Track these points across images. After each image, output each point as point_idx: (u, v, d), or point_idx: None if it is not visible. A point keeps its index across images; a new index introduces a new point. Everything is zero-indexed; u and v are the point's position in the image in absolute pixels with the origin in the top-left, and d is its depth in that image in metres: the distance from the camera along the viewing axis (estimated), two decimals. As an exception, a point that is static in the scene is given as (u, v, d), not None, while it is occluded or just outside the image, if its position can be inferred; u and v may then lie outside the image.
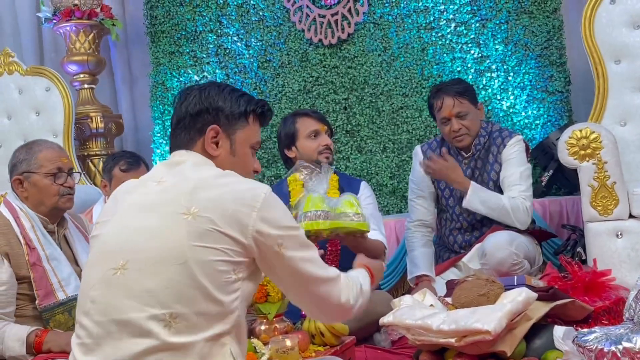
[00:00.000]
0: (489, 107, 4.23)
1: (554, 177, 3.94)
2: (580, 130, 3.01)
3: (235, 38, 4.64)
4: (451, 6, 4.28)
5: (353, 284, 1.76)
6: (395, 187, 4.35)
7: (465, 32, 4.27)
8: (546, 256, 3.49)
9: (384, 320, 2.33)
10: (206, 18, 4.68)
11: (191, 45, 4.72)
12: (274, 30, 4.56)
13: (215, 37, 4.67)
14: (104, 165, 3.41)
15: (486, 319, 2.07)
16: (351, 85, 4.43)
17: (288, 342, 2.21)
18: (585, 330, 2.02)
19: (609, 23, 3.54)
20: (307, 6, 4.46)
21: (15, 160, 2.62)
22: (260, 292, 2.41)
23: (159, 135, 4.75)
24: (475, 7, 4.25)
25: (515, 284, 2.37)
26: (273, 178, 4.48)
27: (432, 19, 4.31)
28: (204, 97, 1.75)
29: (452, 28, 4.29)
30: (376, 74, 4.38)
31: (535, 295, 2.21)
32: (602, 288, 2.65)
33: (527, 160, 3.22)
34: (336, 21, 4.41)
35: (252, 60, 4.61)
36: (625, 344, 1.87)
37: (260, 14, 4.58)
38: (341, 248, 3.07)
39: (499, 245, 2.97)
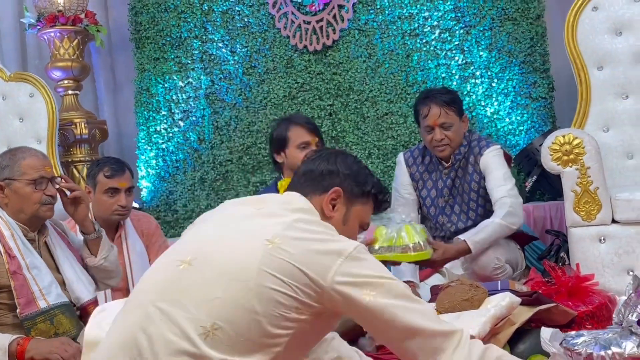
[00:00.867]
0: (473, 113, 4.25)
1: (538, 183, 3.96)
2: (564, 136, 3.03)
3: (220, 44, 4.64)
4: (435, 13, 4.30)
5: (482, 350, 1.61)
6: (380, 193, 4.35)
7: (449, 38, 4.29)
8: (530, 261, 3.51)
9: (368, 325, 2.33)
10: (191, 24, 4.68)
11: (176, 51, 4.71)
12: (259, 37, 4.56)
13: (200, 43, 4.67)
14: (88, 171, 3.40)
15: (470, 323, 2.07)
16: (336, 91, 4.44)
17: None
18: (573, 333, 2.03)
19: (591, 30, 3.57)
20: (292, 13, 4.47)
21: None
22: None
23: (143, 141, 4.73)
24: (459, 14, 4.28)
25: (499, 288, 2.38)
26: (258, 184, 4.48)
27: (416, 25, 4.33)
28: (340, 161, 1.80)
29: (436, 35, 4.31)
30: (361, 80, 4.40)
31: (518, 300, 2.22)
32: (585, 293, 2.66)
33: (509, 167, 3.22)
34: (321, 27, 4.42)
35: (237, 66, 4.60)
36: (615, 349, 1.88)
37: (245, 20, 4.59)
38: None
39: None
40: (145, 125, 4.73)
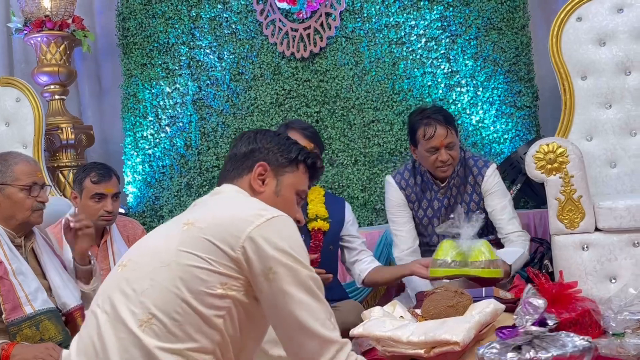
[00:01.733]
0: (459, 122, 4.28)
1: (522, 191, 3.99)
2: (547, 145, 3.06)
3: (207, 50, 4.65)
4: (422, 22, 4.33)
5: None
6: (366, 200, 4.37)
7: (435, 47, 4.33)
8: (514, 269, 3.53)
9: (354, 331, 2.34)
10: (179, 30, 4.68)
11: (163, 57, 4.71)
12: (246, 43, 4.58)
13: (187, 49, 4.68)
14: (74, 176, 3.39)
15: (455, 330, 2.10)
16: (323, 98, 4.46)
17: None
18: (487, 343, 2.03)
19: (575, 40, 3.62)
20: (280, 20, 4.49)
21: None
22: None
23: (130, 147, 4.73)
24: (445, 23, 4.31)
25: (484, 295, 2.40)
26: (244, 190, 4.49)
27: (403, 34, 4.36)
28: (259, 137, 1.82)
29: (422, 43, 4.34)
30: (348, 87, 4.42)
31: (503, 306, 2.24)
32: (568, 300, 2.68)
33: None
34: (308, 35, 4.44)
35: (224, 72, 4.61)
36: (518, 355, 1.89)
37: (233, 27, 4.60)
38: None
39: None
40: (132, 131, 4.73)
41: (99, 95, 5.21)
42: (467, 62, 4.29)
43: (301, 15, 4.45)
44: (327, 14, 4.42)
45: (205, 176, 4.60)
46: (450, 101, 4.30)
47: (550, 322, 1.85)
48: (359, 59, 4.42)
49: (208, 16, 4.63)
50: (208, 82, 4.64)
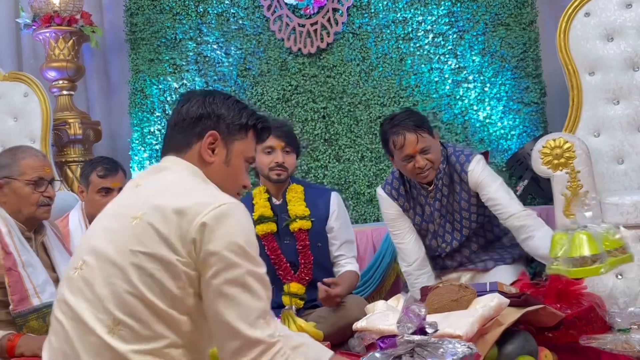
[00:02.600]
0: (466, 118, 4.27)
1: (529, 187, 3.98)
2: (554, 140, 3.06)
3: (214, 46, 4.65)
4: (429, 17, 4.32)
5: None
6: (372, 196, 4.37)
7: (442, 43, 4.32)
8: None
9: (357, 325, 2.35)
10: (186, 26, 4.69)
11: (171, 52, 4.72)
12: (253, 39, 4.58)
13: (195, 45, 4.68)
14: (81, 171, 3.41)
15: (458, 323, 2.09)
16: (330, 94, 4.45)
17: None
18: (368, 354, 1.97)
19: (583, 35, 3.60)
20: (287, 15, 4.49)
21: None
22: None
23: (137, 142, 4.74)
24: (452, 19, 4.30)
25: (488, 290, 2.39)
26: (252, 186, 4.49)
27: (410, 29, 4.35)
28: (208, 102, 1.73)
29: (429, 39, 4.33)
30: (355, 83, 4.42)
31: (507, 301, 2.23)
32: (573, 296, 2.67)
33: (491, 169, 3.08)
34: (315, 31, 4.44)
35: (231, 68, 4.62)
36: None
37: (240, 22, 4.60)
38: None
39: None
40: (139, 127, 4.74)
41: (107, 91, 5.23)
42: (474, 58, 4.28)
43: (308, 10, 4.45)
44: (334, 10, 4.42)
45: (212, 171, 4.60)
46: (457, 97, 4.29)
47: (430, 331, 1.81)
48: (366, 54, 4.41)
49: (215, 12, 4.63)
50: (215, 77, 4.65)
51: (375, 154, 4.37)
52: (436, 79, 4.32)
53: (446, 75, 4.31)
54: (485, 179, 2.97)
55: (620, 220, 2.95)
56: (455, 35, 4.30)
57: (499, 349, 2.19)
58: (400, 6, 4.35)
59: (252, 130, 1.78)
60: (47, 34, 4.65)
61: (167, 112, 4.67)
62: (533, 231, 2.87)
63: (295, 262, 3.08)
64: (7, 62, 5.00)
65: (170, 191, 1.59)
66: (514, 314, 2.25)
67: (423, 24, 4.33)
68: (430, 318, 2.19)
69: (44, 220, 2.69)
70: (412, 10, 4.34)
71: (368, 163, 4.38)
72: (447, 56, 4.32)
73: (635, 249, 2.93)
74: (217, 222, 1.50)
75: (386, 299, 3.25)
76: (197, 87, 4.63)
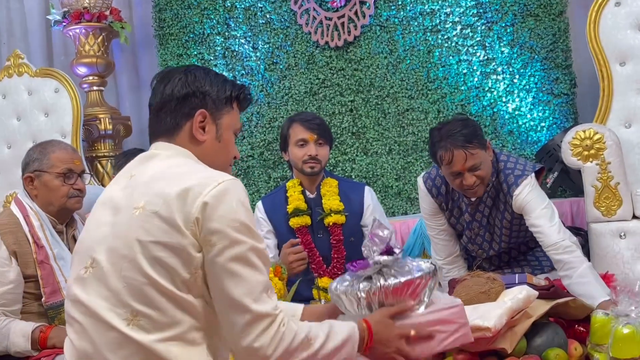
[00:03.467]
0: (495, 110, 4.24)
1: (559, 179, 3.94)
2: (584, 131, 3.02)
3: (242, 40, 4.67)
4: (457, 9, 4.29)
5: (294, 334, 1.56)
6: (400, 189, 4.36)
7: (471, 34, 4.28)
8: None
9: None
10: (214, 21, 4.72)
11: (199, 47, 4.75)
12: (280, 33, 4.59)
13: (222, 39, 4.71)
14: (115, 161, 3.44)
15: (486, 315, 2.07)
16: (357, 87, 4.45)
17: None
18: (338, 278, 1.97)
19: (614, 25, 3.55)
20: (314, 9, 4.49)
21: (29, 158, 2.66)
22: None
23: (166, 137, 4.77)
24: (481, 10, 4.26)
25: (517, 282, 2.37)
26: (279, 179, 4.51)
27: (438, 21, 4.32)
28: (191, 79, 1.71)
29: (458, 31, 4.30)
30: (382, 76, 4.40)
31: (536, 293, 2.20)
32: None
33: (541, 187, 2.85)
34: (342, 24, 4.44)
35: (259, 62, 4.63)
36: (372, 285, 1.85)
37: (267, 16, 4.61)
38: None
39: None
40: (168, 121, 4.76)
41: (136, 87, 5.27)
42: (503, 49, 4.24)
43: (335, 4, 4.44)
44: (362, 2, 4.40)
45: (240, 166, 4.62)
46: (486, 89, 4.26)
47: (397, 250, 1.86)
48: (393, 47, 4.39)
49: (243, 6, 4.65)
50: (243, 72, 4.67)
51: (402, 147, 4.36)
52: (464, 71, 4.29)
53: (474, 67, 4.28)
54: (529, 205, 2.74)
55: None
56: (483, 27, 4.27)
57: (527, 342, 2.17)
58: (427, -2, 4.33)
59: (236, 101, 1.78)
60: (77, 31, 4.70)
61: (195, 107, 4.70)
62: (569, 270, 2.62)
63: (327, 256, 3.08)
64: (38, 58, 5.07)
65: (167, 177, 1.58)
66: (543, 307, 2.23)
67: (451, 15, 4.30)
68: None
69: (74, 214, 2.72)
70: (439, 1, 4.31)
71: (396, 156, 4.37)
72: (475, 48, 4.28)
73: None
74: (217, 200, 1.51)
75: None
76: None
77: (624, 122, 3.49)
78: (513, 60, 4.23)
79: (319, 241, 3.10)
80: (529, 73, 4.21)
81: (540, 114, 4.20)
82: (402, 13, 4.37)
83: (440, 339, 1.87)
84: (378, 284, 1.82)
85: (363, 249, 1.89)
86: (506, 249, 3.02)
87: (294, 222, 3.06)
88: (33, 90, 4.40)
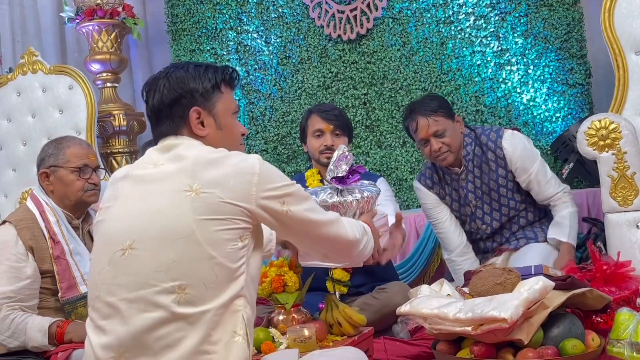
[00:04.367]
0: (509, 101, 4.22)
1: (575, 170, 3.91)
2: (600, 121, 2.99)
3: (255, 35, 4.67)
4: (470, 0, 4.27)
5: (356, 223, 1.91)
6: (415, 182, 4.35)
7: (484, 25, 4.26)
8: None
9: (401, 309, 2.33)
10: (226, 16, 4.72)
11: (212, 42, 4.76)
12: (293, 27, 4.58)
13: (235, 34, 4.71)
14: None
15: (503, 306, 2.06)
16: (370, 80, 4.44)
17: (306, 332, 2.23)
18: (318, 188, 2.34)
19: (629, 14, 3.50)
20: (326, 2, 4.48)
21: (44, 154, 2.67)
22: (278, 282, 2.43)
23: (180, 132, 4.78)
24: (494, 1, 4.24)
25: (533, 273, 2.36)
26: (292, 173, 4.51)
27: (450, 12, 4.30)
28: (174, 82, 1.77)
29: (471, 22, 4.28)
30: (395, 68, 4.39)
31: (552, 283, 2.19)
32: (621, 278, 2.62)
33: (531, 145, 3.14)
34: (355, 17, 4.42)
35: (271, 56, 4.63)
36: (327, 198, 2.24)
37: (280, 10, 4.61)
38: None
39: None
40: (182, 116, 4.77)
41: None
42: (517, 39, 4.21)
43: (348, -4, 4.44)
44: (374, -5, 4.39)
45: (254, 160, 4.62)
46: (500, 80, 4.23)
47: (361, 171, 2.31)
48: (406, 39, 4.38)
49: (255, 0, 4.65)
50: (256, 66, 4.67)
51: (417, 139, 4.34)
52: (478, 62, 4.27)
53: (488, 58, 4.25)
54: (526, 158, 3.06)
55: (668, 202, 2.88)
56: (497, 17, 4.24)
57: (544, 332, 2.16)
58: (440, -11, 4.31)
59: (224, 84, 1.83)
60: (90, 27, 4.71)
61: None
62: (555, 213, 3.10)
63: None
64: (52, 55, 5.09)
65: (208, 161, 1.66)
66: (560, 297, 2.21)
67: (464, 6, 4.28)
68: (474, 301, 2.19)
69: (90, 209, 2.74)
70: (452, -7, 4.29)
71: (410, 149, 4.36)
72: (489, 39, 4.26)
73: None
74: (266, 175, 1.67)
75: (430, 284, 3.25)
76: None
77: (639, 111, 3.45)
78: (527, 51, 4.20)
79: None
80: (544, 63, 4.18)
81: (555, 105, 4.18)
82: (414, 5, 4.36)
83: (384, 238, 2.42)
84: (364, 194, 2.25)
85: (328, 173, 2.27)
86: (510, 219, 3.16)
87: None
88: (47, 87, 4.41)
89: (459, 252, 3.24)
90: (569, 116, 4.15)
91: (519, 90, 4.22)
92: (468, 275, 2.54)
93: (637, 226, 2.92)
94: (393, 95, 4.39)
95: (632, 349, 2.19)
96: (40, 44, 5.10)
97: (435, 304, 2.25)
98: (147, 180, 1.70)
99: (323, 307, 2.52)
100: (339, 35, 4.46)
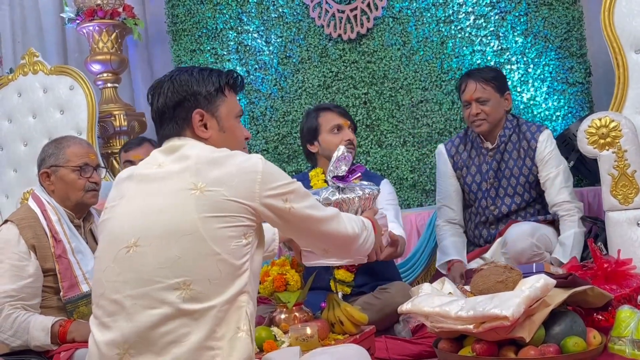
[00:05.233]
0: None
1: (576, 169, 3.92)
2: (600, 119, 2.99)
3: (255, 35, 4.68)
4: (470, -1, 4.28)
5: (355, 218, 1.95)
6: (415, 181, 4.35)
7: (484, 24, 4.26)
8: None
9: (403, 308, 2.34)
10: (226, 16, 4.72)
11: (212, 42, 4.76)
12: (293, 27, 4.59)
13: (235, 34, 4.71)
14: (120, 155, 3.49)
15: (504, 304, 2.07)
16: (371, 79, 4.44)
17: (308, 330, 2.24)
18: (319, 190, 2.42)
19: (628, 12, 3.50)
20: (327, 2, 4.48)
21: (44, 154, 2.68)
22: (280, 281, 2.44)
23: (181, 132, 4.79)
24: (494, 0, 4.24)
25: (534, 271, 2.37)
26: (293, 173, 4.51)
27: (450, 12, 4.31)
28: (178, 85, 1.79)
29: (471, 21, 4.28)
30: (395, 68, 4.39)
31: (553, 281, 2.20)
32: (622, 276, 2.63)
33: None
34: (355, 16, 4.43)
35: (272, 56, 4.64)
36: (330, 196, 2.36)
37: (280, 10, 4.61)
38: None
39: (521, 236, 2.99)
40: (182, 117, 4.78)
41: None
42: (517, 38, 4.22)
43: (348, -4, 4.44)
44: (374, -5, 4.40)
45: (255, 160, 4.62)
46: (500, 79, 4.23)
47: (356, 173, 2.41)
48: (406, 38, 4.38)
49: (255, 0, 4.65)
50: (256, 66, 4.67)
51: (417, 138, 4.35)
52: (478, 61, 4.27)
53: (488, 57, 4.26)
54: (552, 159, 3.19)
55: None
56: (497, 17, 4.24)
57: (546, 330, 2.17)
58: (440, -12, 4.31)
59: (227, 87, 1.86)
60: (91, 28, 4.72)
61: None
62: (562, 230, 3.16)
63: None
64: (53, 56, 5.10)
65: (212, 161, 1.69)
66: (561, 295, 2.22)
67: (464, 5, 4.29)
68: (475, 299, 2.19)
69: (91, 208, 2.74)
70: (452, -8, 4.30)
71: (410, 148, 4.36)
72: (489, 38, 4.26)
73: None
74: (269, 174, 1.70)
75: (431, 282, 3.25)
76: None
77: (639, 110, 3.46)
78: (527, 50, 4.20)
79: None
80: (544, 62, 4.18)
81: (555, 104, 4.18)
82: (414, 4, 4.36)
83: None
84: (365, 191, 2.35)
85: (328, 173, 2.37)
86: (518, 209, 3.26)
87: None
88: (48, 87, 4.42)
89: (446, 222, 3.41)
90: (569, 115, 4.16)
91: (519, 89, 4.22)
92: (469, 274, 2.55)
93: (638, 224, 2.93)
94: (393, 95, 4.40)
95: (634, 346, 2.19)
96: (41, 44, 5.11)
97: (437, 302, 2.26)
98: (152, 180, 1.72)
99: (325, 307, 2.53)
100: (339, 35, 4.47)
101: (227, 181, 1.65)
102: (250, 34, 4.68)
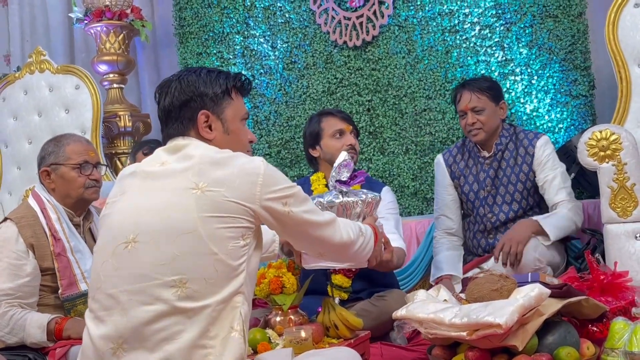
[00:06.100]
0: (512, 110, 4.22)
1: (577, 181, 3.91)
2: (601, 132, 3.00)
3: (261, 40, 4.70)
4: (476, 9, 4.29)
5: (352, 224, 1.96)
6: (417, 189, 4.36)
7: (489, 35, 4.27)
8: (567, 260, 3.48)
9: (397, 314, 2.35)
10: (233, 20, 4.75)
11: (218, 46, 4.79)
12: (299, 32, 4.61)
13: (242, 38, 4.73)
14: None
15: (498, 312, 2.08)
16: (375, 87, 4.46)
17: (302, 333, 2.25)
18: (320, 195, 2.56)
19: (633, 26, 3.52)
20: (333, 9, 4.50)
21: (44, 152, 2.70)
22: (276, 284, 2.45)
23: (185, 134, 4.80)
24: (499, 11, 4.25)
25: (529, 280, 2.37)
26: (295, 178, 4.52)
27: (456, 22, 4.32)
28: (185, 85, 1.81)
29: (476, 31, 4.30)
30: (400, 76, 4.41)
31: (548, 291, 2.20)
32: (618, 289, 2.63)
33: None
34: (361, 23, 4.45)
35: (277, 61, 4.66)
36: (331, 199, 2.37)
37: (287, 16, 4.64)
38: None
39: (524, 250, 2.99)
40: (187, 119, 4.80)
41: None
42: (521, 50, 4.23)
43: (354, 3, 4.46)
44: (380, 2, 4.41)
45: (257, 164, 4.64)
46: (504, 90, 4.23)
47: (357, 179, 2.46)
48: (411, 47, 4.40)
49: (262, 5, 4.68)
50: (261, 70, 4.69)
51: (420, 146, 4.36)
52: (482, 72, 4.28)
53: (493, 68, 4.27)
54: (549, 162, 3.25)
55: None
56: (502, 28, 4.26)
57: (539, 340, 2.18)
58: (446, -2, 4.33)
59: (234, 90, 1.87)
60: (99, 28, 4.75)
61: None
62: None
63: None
64: (60, 55, 5.14)
65: (215, 161, 1.70)
66: (555, 305, 2.23)
67: (470, 16, 4.30)
68: (469, 307, 2.20)
69: (91, 207, 2.76)
70: (458, 2, 4.31)
71: (413, 156, 4.37)
72: (493, 48, 4.27)
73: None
74: (270, 177, 1.72)
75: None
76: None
77: (642, 124, 3.47)
78: (531, 61, 4.21)
79: None
80: (548, 74, 4.19)
81: (558, 116, 4.19)
82: (420, 13, 4.38)
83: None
84: (368, 196, 2.38)
85: (332, 176, 2.39)
86: (513, 216, 3.27)
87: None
88: (54, 86, 4.45)
89: (444, 234, 3.46)
90: (572, 127, 4.16)
91: (522, 101, 4.23)
92: (466, 282, 2.55)
93: (636, 237, 2.93)
94: (397, 103, 4.41)
95: (626, 358, 2.20)
96: (48, 43, 5.15)
97: (431, 308, 2.26)
98: (154, 177, 1.74)
99: (321, 310, 2.54)
100: (345, 42, 4.49)
101: (229, 182, 1.66)
102: (256, 39, 4.71)
